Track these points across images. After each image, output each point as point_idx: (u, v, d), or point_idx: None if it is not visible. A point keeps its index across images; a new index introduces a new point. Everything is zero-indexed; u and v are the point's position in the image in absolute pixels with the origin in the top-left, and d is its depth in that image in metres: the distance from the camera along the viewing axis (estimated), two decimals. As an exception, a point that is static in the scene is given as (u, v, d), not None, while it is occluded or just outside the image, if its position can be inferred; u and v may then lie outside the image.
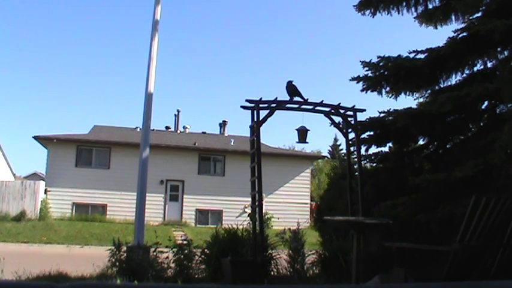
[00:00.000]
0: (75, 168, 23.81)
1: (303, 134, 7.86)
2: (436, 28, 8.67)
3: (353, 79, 8.17)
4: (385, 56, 7.82)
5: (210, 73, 66.60)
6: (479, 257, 5.02)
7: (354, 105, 7.86)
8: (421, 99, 8.78)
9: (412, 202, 6.87)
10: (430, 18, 8.59)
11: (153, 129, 20.06)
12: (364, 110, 7.94)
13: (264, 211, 7.46)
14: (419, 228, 6.83)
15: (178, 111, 30.19)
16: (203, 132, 29.82)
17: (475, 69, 7.95)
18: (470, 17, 7.66)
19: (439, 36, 37.51)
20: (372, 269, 5.94)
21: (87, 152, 24.44)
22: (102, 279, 6.92)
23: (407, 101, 24.45)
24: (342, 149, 40.86)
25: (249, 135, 7.63)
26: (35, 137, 23.68)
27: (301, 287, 6.48)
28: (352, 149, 8.12)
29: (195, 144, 25.72)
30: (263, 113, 7.35)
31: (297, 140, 8.11)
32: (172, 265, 7.09)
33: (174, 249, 7.12)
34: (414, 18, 8.75)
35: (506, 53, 7.34)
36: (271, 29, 66.37)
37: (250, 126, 7.48)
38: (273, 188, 23.90)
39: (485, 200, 4.94)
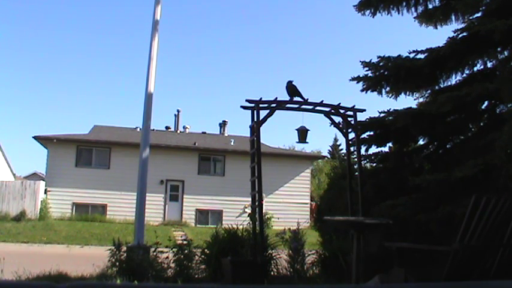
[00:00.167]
0: (75, 168, 23.81)
1: (303, 134, 7.86)
2: (436, 28, 8.67)
3: (353, 79, 8.17)
4: (385, 56, 7.82)
5: (210, 73, 66.67)
6: (479, 257, 5.02)
7: (354, 105, 7.86)
8: (421, 99, 8.79)
9: (412, 202, 6.87)
10: (430, 18, 8.59)
11: (153, 129, 20.07)
12: (364, 110, 7.94)
13: (264, 211, 7.46)
14: (419, 229, 6.83)
15: (178, 111, 30.23)
16: (203, 132, 29.82)
17: (475, 69, 7.96)
18: (470, 17, 7.66)
19: (439, 36, 37.51)
20: (372, 269, 5.94)
21: (87, 152, 24.45)
22: (102, 279, 6.92)
23: (407, 101, 24.49)
24: (342, 149, 40.84)
25: (249, 135, 7.63)
26: (35, 137, 23.68)
27: (301, 287, 6.47)
28: (352, 149, 8.12)
29: (195, 144, 25.72)
30: (263, 113, 7.36)
31: (297, 140, 8.12)
32: (172, 265, 7.08)
33: (174, 249, 7.12)
34: (414, 18, 8.76)
35: (506, 53, 7.34)
36: (271, 29, 66.40)
37: (250, 126, 7.48)
38: (273, 188, 23.90)
39: (485, 200, 4.94)
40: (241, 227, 7.58)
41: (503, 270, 4.98)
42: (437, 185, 6.66)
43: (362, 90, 8.27)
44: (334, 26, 70.37)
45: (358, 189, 7.59)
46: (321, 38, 69.64)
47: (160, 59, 13.73)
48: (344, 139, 8.26)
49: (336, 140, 46.10)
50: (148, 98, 9.35)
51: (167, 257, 7.15)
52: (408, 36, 56.83)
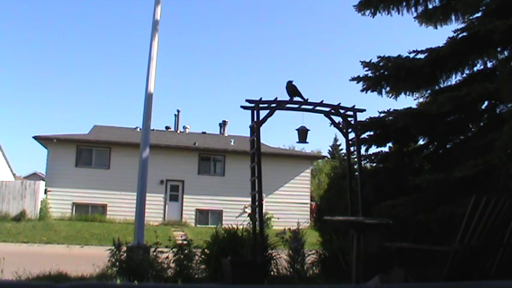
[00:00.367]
0: (75, 168, 23.81)
1: (303, 134, 7.85)
2: (436, 28, 8.67)
3: (353, 79, 8.17)
4: (385, 56, 7.82)
5: (210, 73, 66.69)
6: (479, 257, 5.02)
7: (354, 105, 7.86)
8: (421, 99, 8.79)
9: (412, 202, 6.87)
10: (430, 18, 8.59)
11: (153, 129, 20.08)
12: (364, 110, 7.94)
13: (264, 211, 7.47)
14: (419, 228, 6.83)
15: (178, 111, 30.23)
16: (203, 132, 29.82)
17: (475, 69, 7.95)
18: (470, 17, 7.65)
19: (439, 36, 37.54)
20: (372, 269, 5.94)
21: (87, 152, 24.45)
22: (102, 279, 6.92)
23: (407, 101, 24.48)
24: (342, 149, 40.84)
25: (249, 135, 7.63)
26: (35, 137, 23.68)
27: (301, 287, 6.47)
28: (352, 149, 8.12)
29: (195, 144, 25.72)
30: (263, 113, 7.36)
31: (297, 140, 8.12)
32: (172, 265, 7.08)
33: (174, 249, 7.12)
34: (414, 18, 8.76)
35: (506, 53, 7.34)
36: (271, 29, 66.42)
37: (250, 126, 7.48)
38: (273, 188, 23.90)
39: (485, 200, 4.93)
40: (241, 227, 7.59)
41: (503, 270, 4.98)
42: (437, 185, 6.66)
43: (362, 90, 8.28)
44: (334, 26, 70.45)
45: (358, 189, 7.59)
46: (321, 38, 69.69)
47: (160, 59, 13.74)
48: (344, 139, 8.26)
49: (336, 140, 46.15)
50: (148, 98, 9.35)
51: (167, 257, 7.15)
52: (408, 36, 56.89)
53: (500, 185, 5.96)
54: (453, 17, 8.43)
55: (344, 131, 8.09)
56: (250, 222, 7.20)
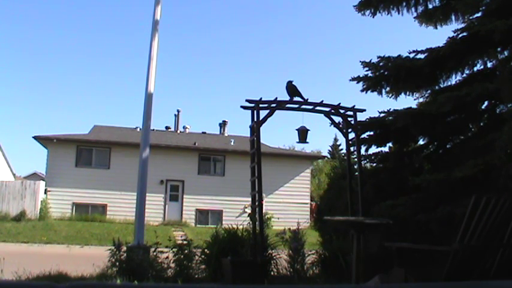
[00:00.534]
0: (75, 168, 23.81)
1: (303, 134, 7.86)
2: (436, 28, 8.67)
3: (353, 79, 8.17)
4: (385, 56, 7.82)
5: (210, 73, 66.68)
6: (479, 257, 5.01)
7: (354, 105, 7.86)
8: (421, 99, 8.79)
9: (412, 202, 6.87)
10: (430, 18, 8.59)
11: (153, 129, 20.07)
12: (364, 110, 7.94)
13: (264, 211, 7.47)
14: (419, 228, 6.83)
15: (178, 111, 30.22)
16: (203, 132, 29.82)
17: (475, 69, 7.95)
18: (470, 17, 7.65)
19: (439, 36, 37.51)
20: (372, 269, 5.94)
21: (87, 152, 24.45)
22: (102, 279, 6.92)
23: (407, 101, 24.42)
24: (342, 149, 40.82)
25: (249, 135, 7.63)
26: (35, 137, 23.68)
27: (301, 287, 6.47)
28: (352, 149, 8.12)
29: (195, 144, 25.72)
30: (263, 113, 7.36)
31: (297, 140, 8.12)
32: (172, 265, 7.09)
33: (174, 249, 7.12)
34: (414, 18, 8.76)
35: (506, 53, 7.34)
36: (271, 29, 66.41)
37: (250, 126, 7.48)
38: (273, 188, 23.90)
39: (485, 200, 4.93)
40: (241, 227, 7.59)
41: (503, 270, 4.97)
42: (437, 185, 6.66)
43: (362, 90, 8.28)
44: (334, 26, 70.43)
45: (358, 189, 7.59)
46: (321, 38, 69.70)
47: (160, 59, 13.74)
48: (344, 139, 8.26)
49: (336, 140, 46.17)
50: (148, 98, 9.35)
51: (167, 257, 7.15)
52: (408, 36, 56.93)
53: (500, 185, 5.96)
54: (453, 17, 8.44)
55: (344, 131, 8.09)
56: (250, 222, 7.20)
